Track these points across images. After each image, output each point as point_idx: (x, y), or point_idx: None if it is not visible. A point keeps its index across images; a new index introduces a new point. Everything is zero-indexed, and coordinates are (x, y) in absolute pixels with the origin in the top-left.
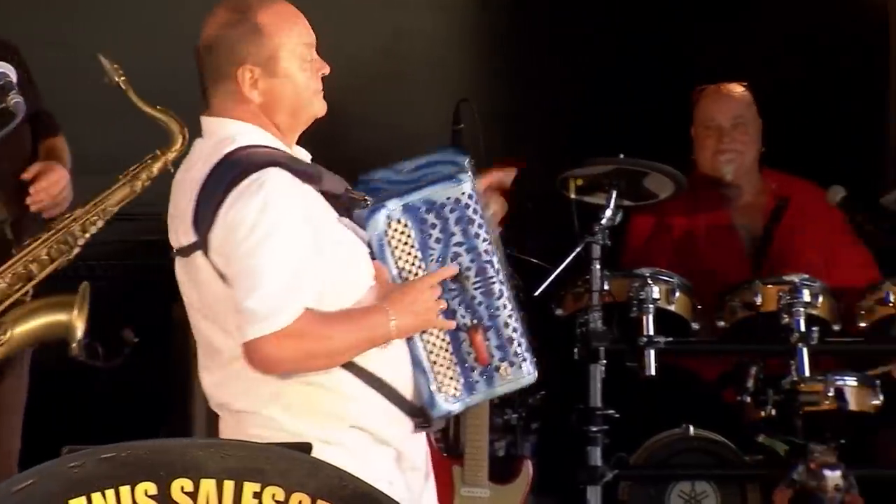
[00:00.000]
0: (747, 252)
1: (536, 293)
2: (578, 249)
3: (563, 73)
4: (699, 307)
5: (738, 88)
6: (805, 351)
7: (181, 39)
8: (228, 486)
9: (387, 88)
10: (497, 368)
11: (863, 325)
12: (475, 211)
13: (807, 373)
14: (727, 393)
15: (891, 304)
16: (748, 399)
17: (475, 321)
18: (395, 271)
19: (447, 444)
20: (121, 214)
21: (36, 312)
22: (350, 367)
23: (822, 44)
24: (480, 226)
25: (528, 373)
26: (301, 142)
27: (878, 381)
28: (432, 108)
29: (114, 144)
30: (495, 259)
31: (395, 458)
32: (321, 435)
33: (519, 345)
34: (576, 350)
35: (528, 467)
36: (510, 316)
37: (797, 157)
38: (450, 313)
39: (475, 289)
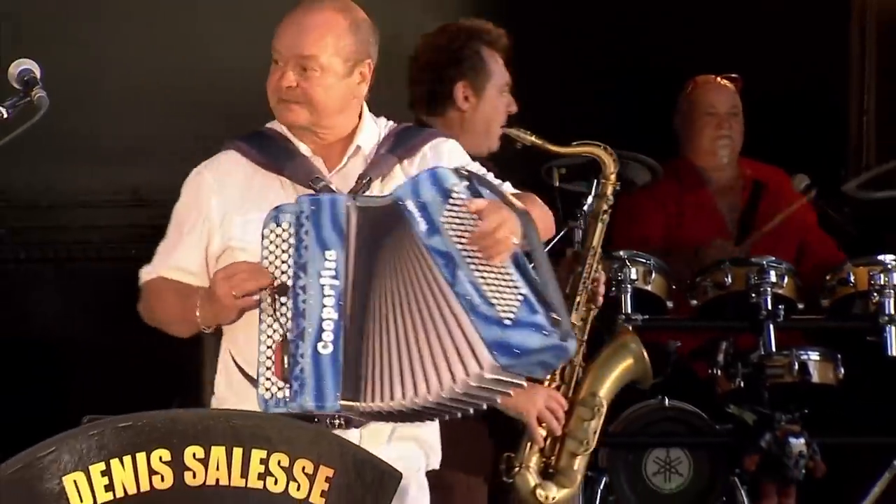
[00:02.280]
0: (731, 233)
1: None
2: (561, 234)
3: (549, 69)
4: (674, 287)
5: (729, 80)
6: (772, 327)
7: (195, 39)
8: (237, 452)
9: (386, 86)
10: (287, 388)
11: (825, 303)
12: (302, 240)
13: (773, 348)
14: (699, 366)
15: (851, 285)
16: (719, 372)
17: (283, 335)
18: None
19: None
20: (132, 201)
21: (605, 367)
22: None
23: (786, 40)
24: (304, 249)
25: (294, 400)
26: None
27: (839, 356)
28: None
29: (131, 138)
30: (309, 285)
31: None
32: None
33: (295, 372)
34: None
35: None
36: (300, 344)
37: (764, 146)
38: (281, 318)
39: (291, 307)
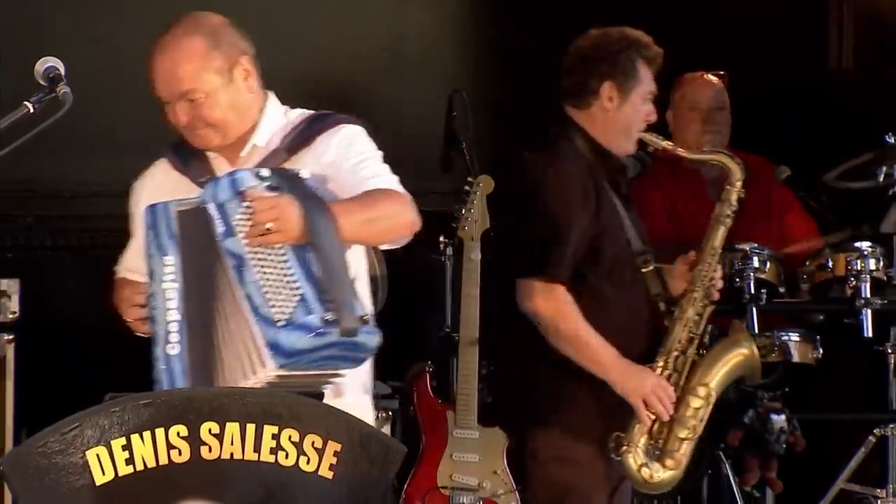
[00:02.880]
0: None
1: None
2: None
3: (545, 65)
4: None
5: (716, 77)
6: (754, 310)
7: None
8: (251, 428)
9: (388, 81)
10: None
11: (805, 287)
12: (148, 247)
13: (756, 329)
14: None
15: (829, 270)
16: (704, 353)
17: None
18: None
19: (442, 392)
20: None
21: (717, 360)
22: None
23: (770, 41)
24: (151, 258)
25: None
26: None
27: (818, 337)
28: (429, 98)
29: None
30: (155, 292)
31: None
32: None
33: (157, 374)
34: None
35: None
36: (155, 348)
37: (749, 138)
38: None
39: (152, 309)
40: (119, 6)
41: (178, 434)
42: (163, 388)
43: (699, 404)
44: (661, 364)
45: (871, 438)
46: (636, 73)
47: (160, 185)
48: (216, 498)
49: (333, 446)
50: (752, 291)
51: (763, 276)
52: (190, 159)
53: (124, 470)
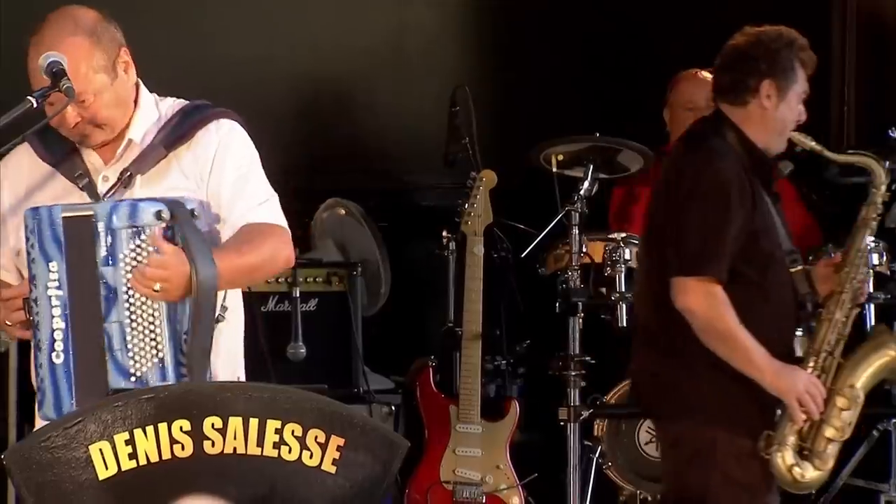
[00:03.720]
0: None
1: (523, 255)
2: (560, 217)
3: (546, 60)
4: None
5: (710, 74)
6: None
7: (207, 36)
8: (254, 423)
9: (392, 76)
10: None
11: None
12: (30, 251)
13: None
14: None
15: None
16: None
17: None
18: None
19: (444, 387)
20: None
21: (863, 361)
22: None
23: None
24: (33, 263)
25: (40, 412)
26: (317, 122)
27: None
28: (432, 93)
29: None
30: (39, 298)
31: None
32: None
33: (40, 387)
34: (557, 305)
35: (516, 407)
36: (38, 357)
37: None
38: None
39: (35, 315)
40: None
41: (180, 429)
42: (46, 399)
43: (845, 405)
44: (811, 364)
45: (875, 433)
46: (794, 71)
47: (25, 176)
48: (219, 493)
49: (336, 441)
50: None
51: None
52: (59, 150)
53: (127, 465)
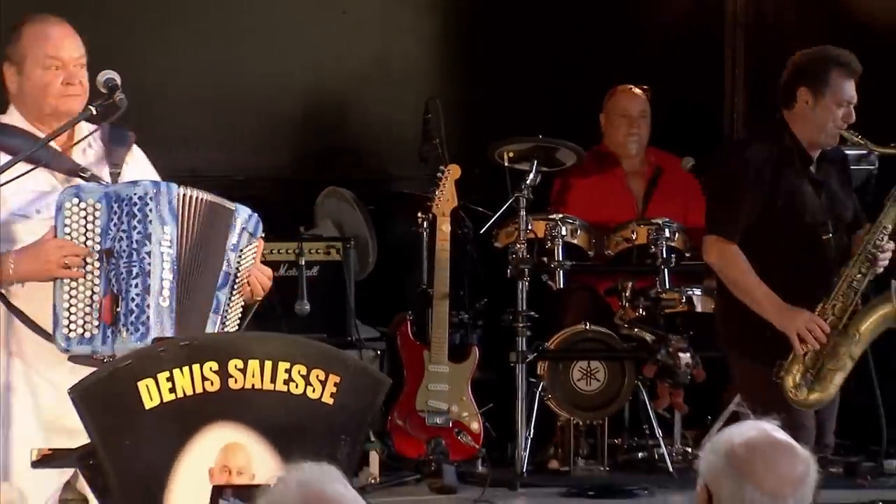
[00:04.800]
0: (638, 207)
1: (482, 231)
2: (510, 201)
3: (501, 78)
4: (594, 241)
5: (640, 90)
6: (666, 271)
7: (234, 55)
8: (268, 364)
9: (379, 90)
10: (118, 330)
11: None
12: (147, 214)
13: (667, 286)
14: (612, 301)
15: None
16: (627, 304)
17: (112, 290)
18: (60, 234)
19: (419, 336)
20: (190, 177)
21: (871, 311)
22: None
23: (678, 57)
24: (150, 224)
25: (138, 340)
26: (319, 126)
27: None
28: (410, 104)
29: (189, 130)
30: (152, 252)
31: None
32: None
33: (141, 319)
34: (507, 271)
35: (475, 351)
36: (146, 298)
37: (662, 135)
38: (94, 276)
39: (124, 268)
40: (162, 29)
41: (210, 369)
42: (151, 331)
43: (848, 343)
44: (819, 308)
45: None
46: (828, 80)
47: None
48: (241, 420)
49: (333, 378)
50: (665, 256)
51: (673, 244)
52: (25, 146)
53: (168, 397)
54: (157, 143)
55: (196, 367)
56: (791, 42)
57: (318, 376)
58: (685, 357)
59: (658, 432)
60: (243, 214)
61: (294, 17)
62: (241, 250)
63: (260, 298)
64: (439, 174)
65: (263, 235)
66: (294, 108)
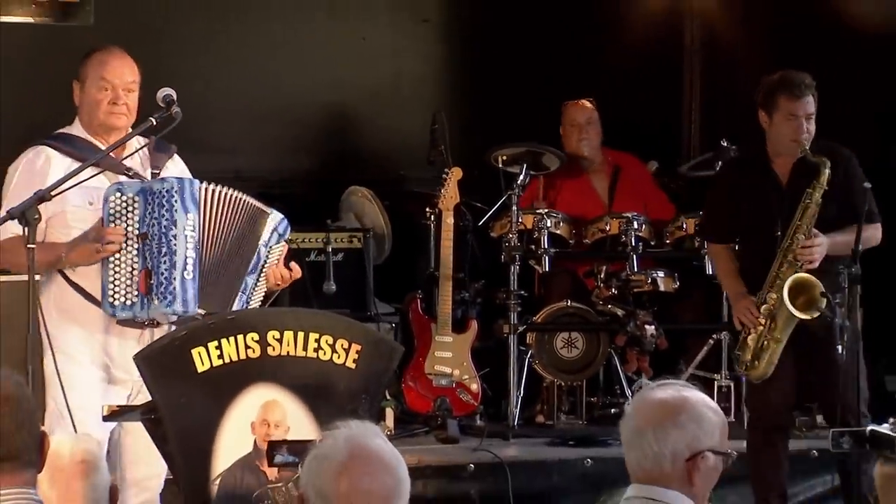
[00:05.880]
0: (603, 202)
1: (480, 223)
2: (504, 198)
3: (496, 96)
4: (574, 231)
5: (588, 102)
6: (635, 257)
7: (272, 72)
8: (300, 334)
9: (392, 104)
10: (151, 299)
11: (668, 242)
12: (174, 204)
13: (636, 269)
14: (589, 282)
15: (684, 230)
16: (602, 285)
17: (147, 266)
18: (106, 221)
19: (428, 311)
20: (234, 178)
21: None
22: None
23: (644, 73)
24: (175, 212)
25: (167, 307)
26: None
27: (676, 273)
28: (418, 115)
29: (233, 137)
30: (178, 235)
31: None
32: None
33: (169, 289)
34: (502, 257)
35: (475, 325)
36: (173, 272)
37: (630, 142)
38: (133, 255)
39: (156, 248)
40: (209, 50)
41: (252, 338)
42: (177, 299)
43: (775, 328)
44: (757, 296)
45: (710, 341)
46: (776, 104)
47: (48, 160)
48: (278, 382)
49: (356, 347)
50: (634, 244)
51: (641, 233)
52: (88, 151)
53: (217, 362)
54: (206, 149)
55: (240, 337)
56: (739, 65)
57: (342, 345)
58: (650, 329)
59: (627, 392)
60: (276, 218)
61: (321, 42)
62: (271, 247)
63: (278, 289)
64: (444, 175)
65: (289, 239)
66: (322, 119)
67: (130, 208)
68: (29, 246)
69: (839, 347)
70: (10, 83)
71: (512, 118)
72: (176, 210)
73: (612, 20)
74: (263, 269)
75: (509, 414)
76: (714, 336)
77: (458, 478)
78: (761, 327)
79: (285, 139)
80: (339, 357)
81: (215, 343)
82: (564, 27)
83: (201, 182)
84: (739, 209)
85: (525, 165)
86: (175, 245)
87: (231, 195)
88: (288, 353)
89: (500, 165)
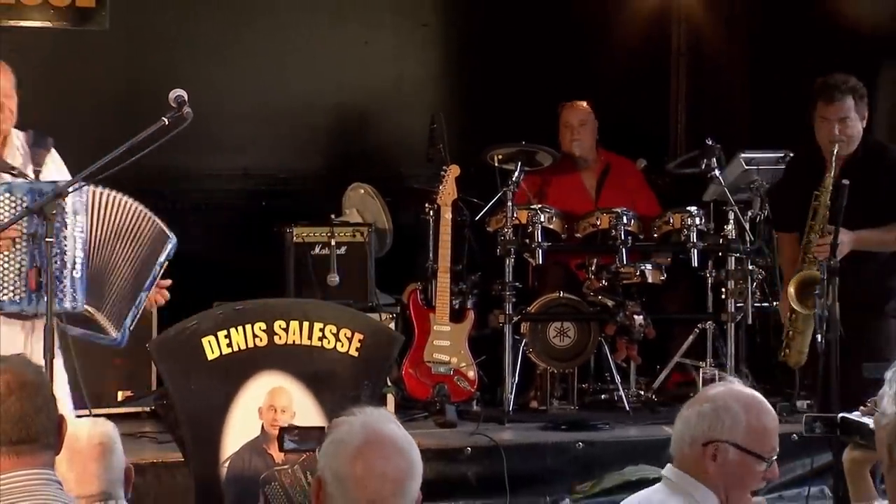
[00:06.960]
0: (592, 198)
1: (476, 218)
2: (499, 194)
3: (492, 96)
4: (566, 226)
5: (583, 104)
6: (624, 250)
7: (282, 75)
8: (306, 324)
9: (394, 105)
10: (40, 296)
11: (655, 236)
12: (64, 207)
13: (625, 262)
14: (581, 274)
15: (670, 224)
16: (593, 277)
17: (36, 264)
18: None
19: (427, 302)
20: (243, 174)
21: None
22: None
23: (634, 77)
24: (65, 214)
25: (56, 304)
26: (347, 135)
27: (664, 266)
28: (418, 116)
29: (242, 137)
30: (67, 236)
31: None
32: None
33: (59, 287)
34: (497, 250)
35: (472, 315)
36: (63, 271)
37: (622, 142)
38: (22, 253)
39: (45, 247)
40: (221, 55)
41: (259, 328)
42: (66, 296)
43: (799, 318)
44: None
45: (696, 330)
46: (815, 105)
47: None
48: (284, 369)
49: (358, 336)
50: (623, 238)
51: (629, 228)
52: None
53: (226, 350)
54: (217, 148)
55: (248, 326)
56: (723, 68)
57: (345, 334)
58: (639, 319)
59: (617, 379)
60: (174, 241)
61: (327, 46)
62: (162, 266)
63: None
64: (442, 172)
65: (296, 233)
66: (326, 119)
67: (19, 208)
68: (47, 240)
69: (818, 336)
70: (28, 86)
71: (507, 119)
72: (66, 213)
73: (604, 26)
74: (151, 288)
75: (504, 400)
76: (699, 326)
77: (456, 460)
78: (789, 320)
79: (292, 138)
80: (342, 346)
81: (224, 332)
82: (557, 32)
83: (89, 185)
84: (796, 202)
85: (520, 163)
86: (65, 245)
87: (119, 199)
88: (294, 341)
89: (496, 163)
